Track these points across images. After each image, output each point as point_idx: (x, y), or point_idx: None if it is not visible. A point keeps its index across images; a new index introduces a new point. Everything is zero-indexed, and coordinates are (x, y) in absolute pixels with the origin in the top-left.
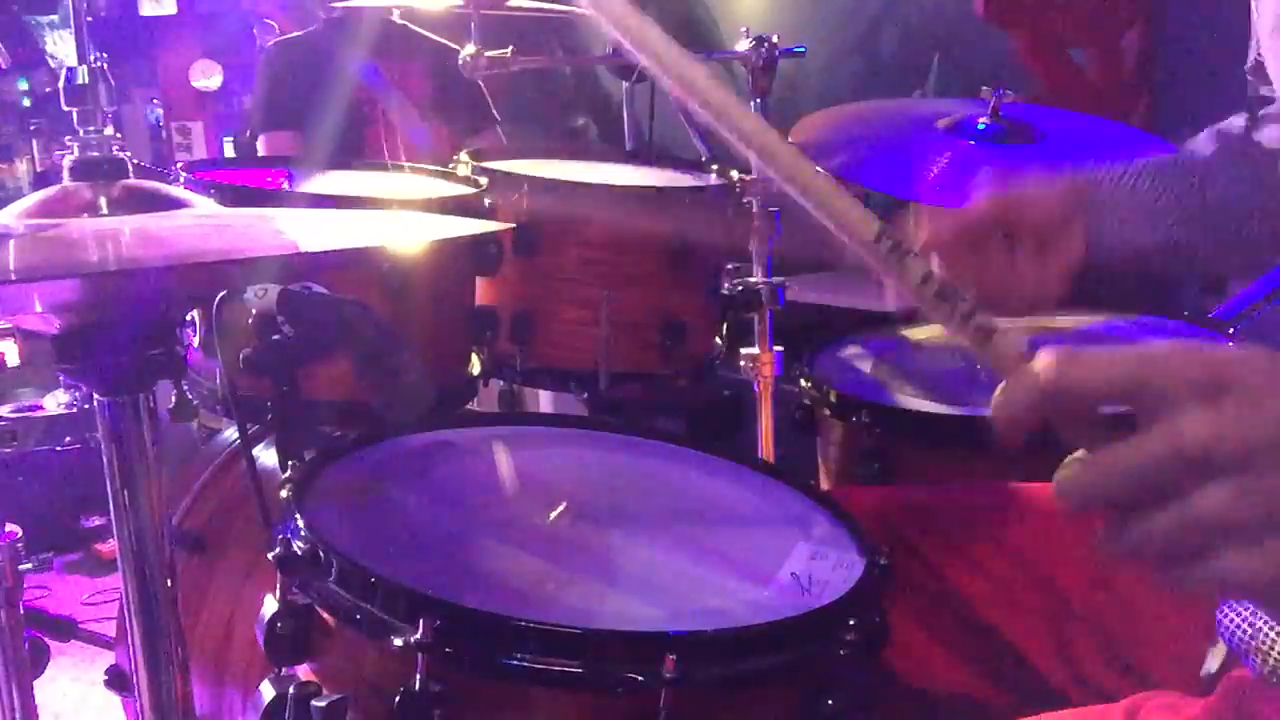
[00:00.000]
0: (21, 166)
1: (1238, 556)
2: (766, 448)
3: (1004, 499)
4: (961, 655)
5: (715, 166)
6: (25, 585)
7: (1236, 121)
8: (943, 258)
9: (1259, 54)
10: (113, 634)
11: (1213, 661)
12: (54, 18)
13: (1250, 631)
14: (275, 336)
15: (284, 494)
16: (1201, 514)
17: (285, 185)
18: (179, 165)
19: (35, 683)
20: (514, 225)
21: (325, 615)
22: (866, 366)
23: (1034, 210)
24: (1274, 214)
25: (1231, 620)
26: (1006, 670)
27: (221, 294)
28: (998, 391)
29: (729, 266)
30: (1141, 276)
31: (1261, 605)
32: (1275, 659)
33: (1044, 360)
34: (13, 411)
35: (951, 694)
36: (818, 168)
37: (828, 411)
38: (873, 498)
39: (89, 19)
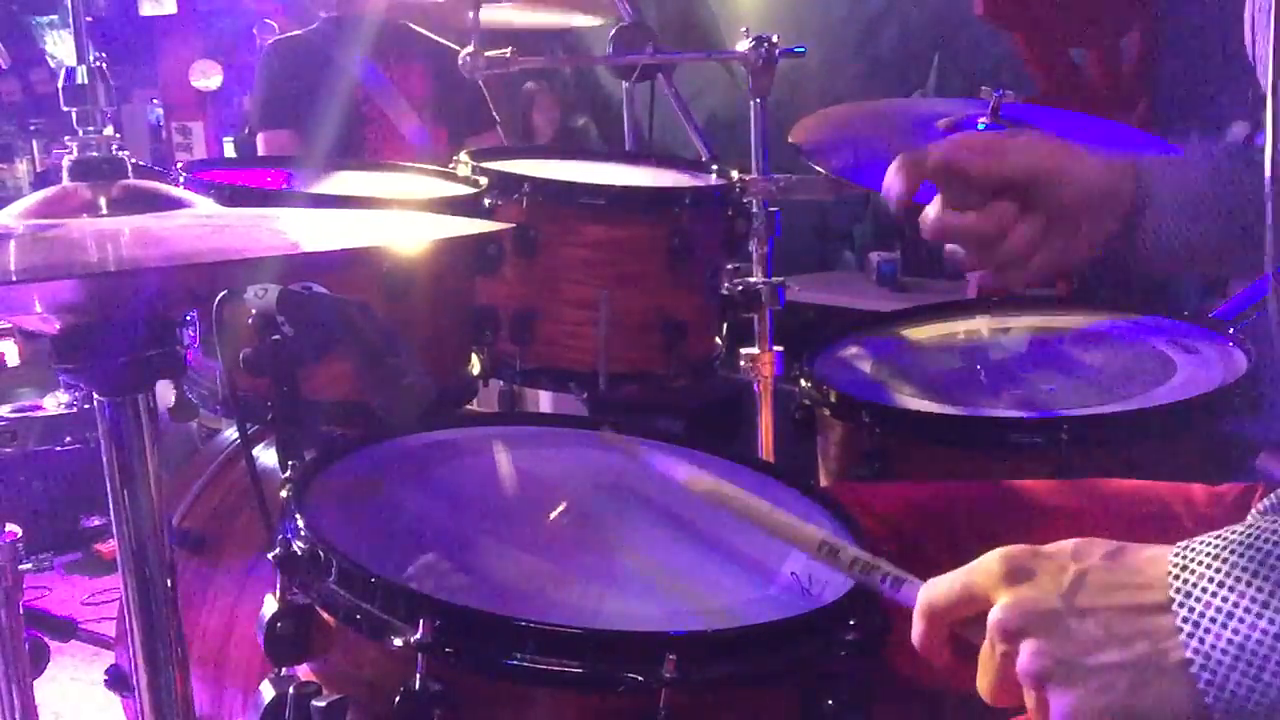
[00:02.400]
0: (21, 166)
1: (1061, 698)
2: (766, 448)
3: (1005, 496)
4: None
5: (715, 166)
6: (25, 585)
7: (1237, 131)
8: (949, 194)
9: None
10: (113, 634)
11: None
12: (54, 18)
13: None
14: (275, 336)
15: (284, 494)
16: (1020, 670)
17: (285, 186)
18: (179, 165)
19: (35, 683)
20: (514, 225)
21: (325, 615)
22: (866, 366)
23: (1075, 178)
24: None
25: None
26: None
27: (221, 294)
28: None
29: (729, 266)
30: (1144, 276)
31: None
32: None
33: (918, 598)
34: (13, 411)
35: (954, 692)
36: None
37: (828, 411)
38: (874, 494)
39: (89, 19)
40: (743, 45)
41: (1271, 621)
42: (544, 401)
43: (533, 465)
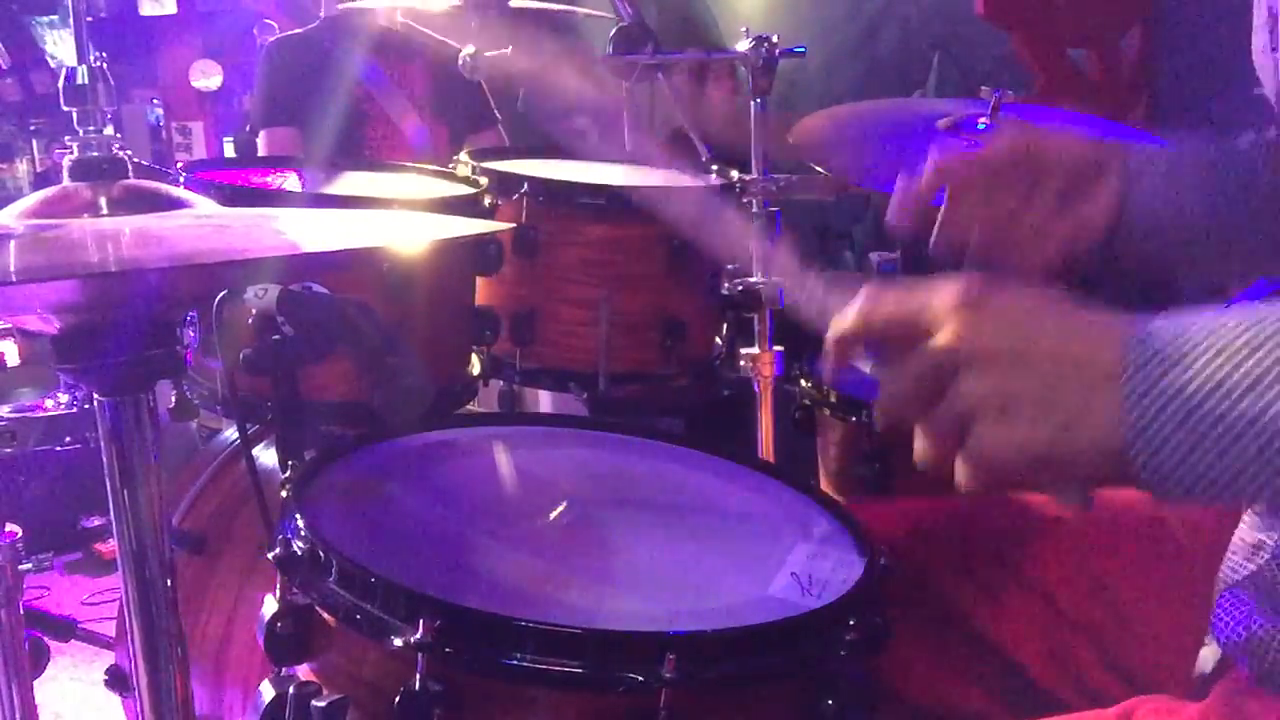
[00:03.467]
0: (21, 166)
1: (988, 433)
2: (766, 448)
3: (1003, 513)
4: (963, 669)
5: (715, 166)
6: (25, 585)
7: (1242, 142)
8: (953, 192)
9: None
10: (113, 634)
11: (1206, 662)
12: (54, 18)
13: (1244, 634)
14: (275, 336)
15: (284, 494)
16: (954, 401)
17: (296, 182)
18: (179, 165)
19: (35, 683)
20: (514, 225)
21: (325, 615)
22: (866, 366)
23: (1065, 155)
24: None
25: (1226, 623)
26: (1009, 683)
27: (221, 294)
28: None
29: (729, 266)
30: (1136, 274)
31: (1023, 479)
32: (1270, 661)
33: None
34: (13, 411)
35: (953, 708)
36: None
37: (828, 411)
38: (873, 512)
39: (89, 19)
40: (743, 45)
41: (1219, 370)
42: (544, 401)
43: (532, 465)
